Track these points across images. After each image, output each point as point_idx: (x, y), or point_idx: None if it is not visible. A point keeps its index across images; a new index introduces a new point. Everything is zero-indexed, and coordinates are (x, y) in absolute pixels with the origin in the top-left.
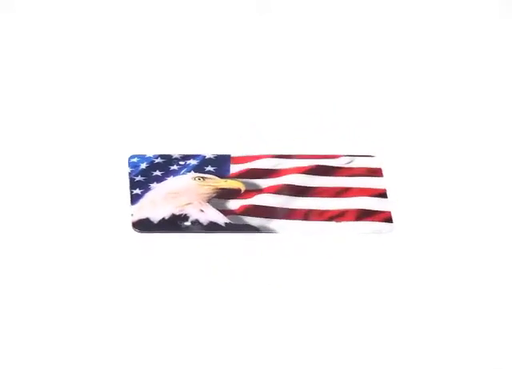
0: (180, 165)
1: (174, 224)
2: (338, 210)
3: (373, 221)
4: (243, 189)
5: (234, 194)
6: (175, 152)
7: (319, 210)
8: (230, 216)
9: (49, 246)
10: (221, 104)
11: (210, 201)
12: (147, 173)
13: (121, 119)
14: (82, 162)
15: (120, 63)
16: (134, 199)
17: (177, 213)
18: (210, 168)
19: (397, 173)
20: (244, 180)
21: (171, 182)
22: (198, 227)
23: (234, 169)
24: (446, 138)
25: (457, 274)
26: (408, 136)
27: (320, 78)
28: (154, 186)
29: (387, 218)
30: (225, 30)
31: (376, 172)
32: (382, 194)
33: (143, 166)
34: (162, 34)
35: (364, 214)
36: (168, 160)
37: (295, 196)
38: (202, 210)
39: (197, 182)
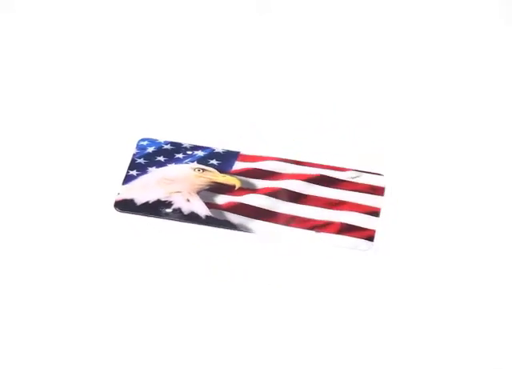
0: (186, 154)
1: (155, 209)
2: (324, 221)
3: (353, 236)
4: (238, 186)
5: (226, 189)
6: (188, 142)
7: (304, 218)
8: (214, 210)
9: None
10: (223, 103)
11: (200, 192)
12: (151, 157)
13: (144, 107)
14: (93, 142)
15: (122, 65)
16: (127, 180)
17: (162, 199)
18: (214, 161)
19: (401, 194)
20: (242, 178)
21: (170, 168)
22: (178, 216)
23: (238, 166)
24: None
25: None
26: (420, 158)
27: (332, 79)
28: (151, 169)
29: (369, 236)
30: (224, 31)
31: (377, 190)
32: (375, 213)
33: (150, 149)
34: (164, 34)
35: (347, 229)
36: (176, 148)
37: (287, 201)
38: (188, 200)
39: (195, 172)
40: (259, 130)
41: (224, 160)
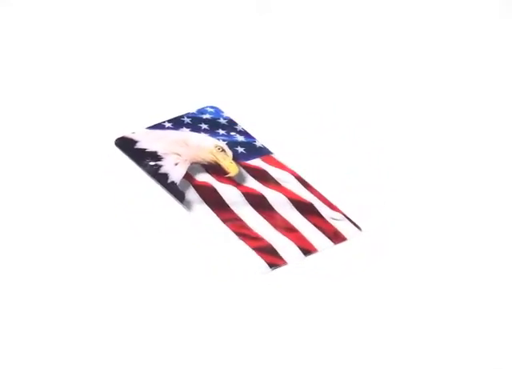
0: (229, 134)
1: (143, 158)
2: (256, 234)
3: (262, 258)
4: (231, 174)
5: (218, 171)
6: (245, 125)
7: (244, 224)
8: (184, 181)
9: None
10: (223, 103)
11: (193, 163)
12: (197, 121)
13: None
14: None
15: (118, 67)
16: (154, 127)
17: (158, 153)
18: (241, 149)
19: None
20: (243, 171)
21: (198, 136)
22: (153, 171)
23: (254, 162)
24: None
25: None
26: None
27: (332, 80)
28: (183, 130)
29: (275, 263)
30: (224, 31)
31: (337, 238)
32: (307, 251)
33: (206, 116)
34: (163, 34)
35: (265, 249)
36: (228, 125)
37: (250, 205)
38: (176, 164)
39: (214, 149)
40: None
41: (250, 152)
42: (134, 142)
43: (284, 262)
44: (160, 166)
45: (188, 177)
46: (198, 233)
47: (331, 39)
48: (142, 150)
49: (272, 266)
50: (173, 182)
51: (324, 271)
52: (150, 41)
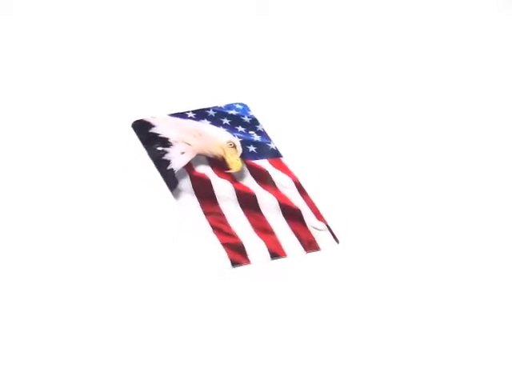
0: (245, 132)
1: (153, 142)
2: (230, 229)
3: (228, 254)
4: (232, 170)
5: (220, 165)
6: (267, 125)
7: (224, 219)
8: (183, 170)
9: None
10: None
11: (200, 155)
12: (222, 116)
13: None
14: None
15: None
16: (177, 115)
17: (170, 139)
18: (252, 148)
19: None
20: (245, 170)
21: (216, 130)
22: (157, 156)
23: (260, 162)
24: None
25: None
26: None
27: (332, 80)
28: (204, 121)
29: (237, 261)
30: (224, 32)
31: (310, 246)
32: (276, 255)
33: (231, 112)
34: (163, 34)
35: (233, 247)
36: (250, 123)
37: (237, 202)
38: (182, 153)
39: (226, 144)
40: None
41: (260, 152)
42: (151, 126)
43: (248, 262)
44: (165, 153)
45: (188, 167)
46: (175, 221)
47: (329, 41)
48: (155, 135)
49: (234, 263)
50: (171, 170)
51: (285, 276)
52: (197, 34)
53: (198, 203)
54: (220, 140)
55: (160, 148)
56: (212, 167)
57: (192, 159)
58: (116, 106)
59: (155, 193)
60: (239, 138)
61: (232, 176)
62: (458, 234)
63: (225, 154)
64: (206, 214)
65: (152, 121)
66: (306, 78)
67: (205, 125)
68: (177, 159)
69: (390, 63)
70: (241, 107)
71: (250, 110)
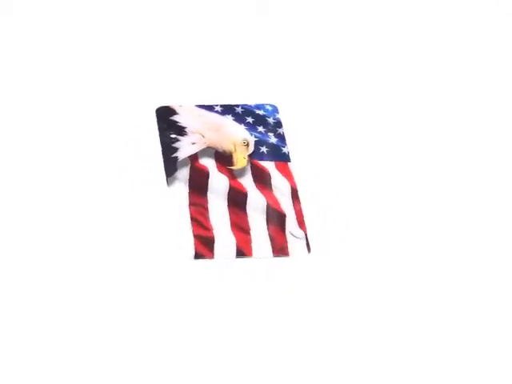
0: (264, 132)
1: (169, 129)
2: (208, 223)
3: (196, 246)
4: (234, 167)
5: (226, 161)
6: (290, 129)
7: (205, 212)
8: (186, 159)
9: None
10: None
11: (209, 148)
12: (248, 114)
13: None
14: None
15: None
16: (203, 107)
17: (187, 129)
18: (264, 149)
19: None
20: (247, 169)
21: (234, 126)
22: (168, 141)
23: (266, 164)
24: None
25: None
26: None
27: (332, 80)
28: (228, 117)
29: (201, 254)
30: (224, 33)
31: (281, 251)
32: (242, 254)
33: (259, 111)
34: (163, 35)
35: (204, 240)
36: (272, 125)
37: (226, 197)
38: (193, 143)
39: (240, 142)
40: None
41: (270, 154)
42: (174, 113)
43: (211, 257)
44: (177, 140)
45: (193, 157)
46: (157, 207)
47: (329, 41)
48: (174, 122)
49: (197, 256)
50: (175, 157)
51: (244, 275)
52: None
53: (186, 193)
54: (235, 137)
55: (173, 135)
56: (216, 161)
57: (200, 151)
58: (150, 93)
59: (150, 177)
60: (256, 137)
61: (232, 172)
62: (442, 246)
63: (235, 150)
64: (190, 204)
65: (177, 109)
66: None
67: (227, 120)
68: (185, 148)
69: (390, 63)
70: (270, 108)
71: (278, 112)
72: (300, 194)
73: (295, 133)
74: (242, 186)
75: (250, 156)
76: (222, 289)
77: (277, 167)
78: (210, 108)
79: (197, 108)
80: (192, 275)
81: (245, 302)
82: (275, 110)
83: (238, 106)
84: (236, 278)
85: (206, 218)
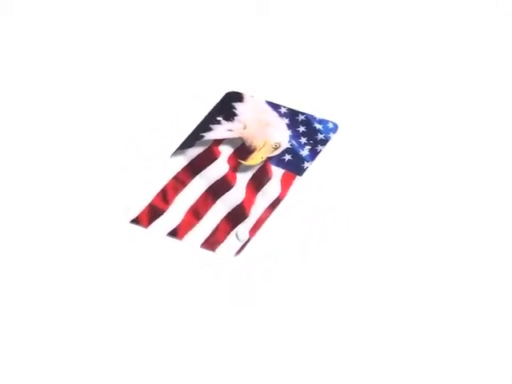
0: (301, 144)
1: (220, 113)
2: (173, 198)
3: (142, 210)
4: (244, 163)
5: (243, 154)
6: (329, 149)
7: (180, 189)
8: (210, 141)
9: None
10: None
11: (240, 137)
12: (305, 124)
13: None
14: None
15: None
16: (271, 103)
17: (235, 117)
18: (288, 157)
19: None
20: (254, 167)
21: (281, 130)
22: (207, 121)
23: (274, 170)
24: None
25: None
26: None
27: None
28: (283, 119)
29: (137, 219)
30: (223, 33)
31: (210, 245)
32: (174, 232)
33: (318, 126)
34: (162, 35)
35: (153, 208)
36: (317, 141)
37: (211, 183)
38: (229, 130)
39: (271, 142)
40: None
41: (288, 163)
42: (240, 100)
43: (145, 226)
44: (218, 123)
45: (217, 141)
46: (142, 169)
47: (329, 41)
48: (231, 108)
49: (133, 221)
50: (201, 136)
51: (156, 251)
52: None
53: (180, 168)
54: (271, 137)
55: (219, 118)
56: (234, 151)
57: (229, 138)
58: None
59: (165, 145)
60: (291, 145)
61: (238, 166)
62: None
63: (260, 149)
64: (174, 177)
65: (246, 98)
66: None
67: (279, 122)
68: (218, 131)
69: (389, 64)
70: (330, 126)
71: (334, 132)
72: (282, 204)
73: (336, 155)
74: (234, 179)
75: (268, 158)
76: (132, 257)
77: (282, 176)
78: (275, 106)
79: (264, 103)
80: (120, 236)
81: (142, 275)
82: (334, 129)
83: (303, 113)
84: (148, 251)
85: (175, 193)
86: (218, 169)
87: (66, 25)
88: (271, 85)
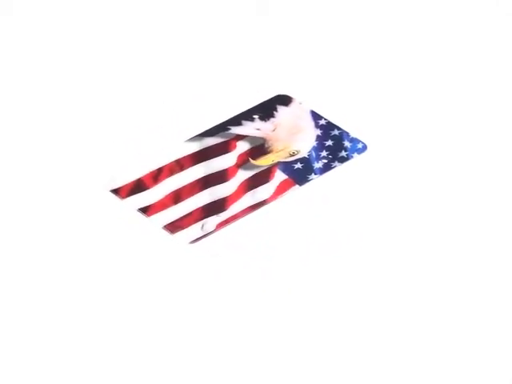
0: (320, 157)
1: (261, 111)
2: (163, 180)
3: (127, 185)
4: (252, 161)
5: (256, 153)
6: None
7: (176, 172)
8: (232, 135)
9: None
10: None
11: (262, 138)
12: (335, 140)
13: None
14: None
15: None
16: (313, 114)
17: (271, 117)
18: (298, 166)
19: None
20: (260, 167)
21: (309, 140)
22: (241, 117)
23: (277, 174)
24: None
25: None
26: None
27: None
28: (316, 130)
29: (118, 192)
30: (223, 33)
31: (173, 228)
32: (145, 210)
33: (347, 144)
34: (162, 35)
35: (139, 184)
36: (338, 157)
37: (208, 173)
38: (257, 129)
39: (290, 148)
40: None
41: (296, 173)
42: (286, 104)
43: (122, 197)
44: (251, 120)
45: (240, 137)
46: (150, 153)
47: (329, 41)
48: (273, 109)
49: (114, 190)
50: (227, 128)
51: (118, 225)
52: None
53: (188, 154)
54: (293, 145)
55: (255, 116)
56: (250, 149)
57: (252, 136)
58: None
59: (188, 131)
60: (309, 155)
61: (245, 163)
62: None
63: (276, 152)
64: (175, 160)
65: (293, 103)
66: None
67: (311, 132)
68: (245, 128)
69: (389, 64)
70: (359, 146)
71: (359, 153)
72: (266, 207)
73: (349, 175)
74: (233, 175)
75: (278, 162)
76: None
77: (281, 181)
78: (316, 117)
79: (307, 111)
80: (93, 203)
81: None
82: (361, 150)
83: (339, 128)
84: (111, 223)
85: (169, 174)
86: (223, 161)
87: (66, 25)
88: (271, 86)
